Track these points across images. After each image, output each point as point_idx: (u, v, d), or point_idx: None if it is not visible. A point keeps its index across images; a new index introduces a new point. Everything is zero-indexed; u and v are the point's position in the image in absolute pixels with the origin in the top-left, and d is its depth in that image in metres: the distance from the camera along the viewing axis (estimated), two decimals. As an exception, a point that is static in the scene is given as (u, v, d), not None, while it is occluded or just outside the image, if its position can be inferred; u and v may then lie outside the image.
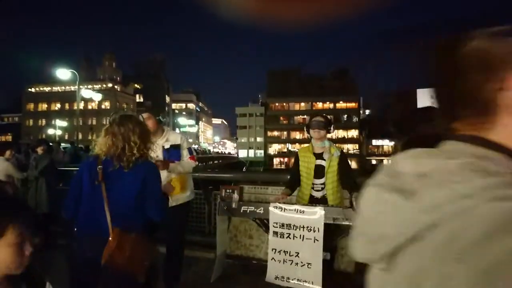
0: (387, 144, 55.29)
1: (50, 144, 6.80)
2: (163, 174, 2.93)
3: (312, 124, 2.99)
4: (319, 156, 3.00)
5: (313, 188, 3.01)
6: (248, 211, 3.02)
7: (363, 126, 60.46)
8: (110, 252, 1.70)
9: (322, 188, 2.98)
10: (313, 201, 2.97)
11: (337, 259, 3.30)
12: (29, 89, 66.07)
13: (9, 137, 55.91)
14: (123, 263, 1.70)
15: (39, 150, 5.46)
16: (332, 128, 3.02)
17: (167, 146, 3.09)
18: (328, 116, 3.18)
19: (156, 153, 3.05)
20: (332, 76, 64.12)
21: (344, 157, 3.01)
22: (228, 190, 3.12)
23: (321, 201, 2.94)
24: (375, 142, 59.75)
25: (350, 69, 64.84)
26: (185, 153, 3.11)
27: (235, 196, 3.07)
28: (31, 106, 64.88)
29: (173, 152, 3.04)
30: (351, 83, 61.71)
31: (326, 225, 2.70)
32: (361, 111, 63.32)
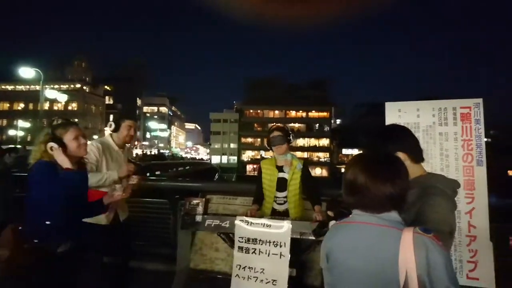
0: (356, 153, 56.60)
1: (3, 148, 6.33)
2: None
3: (272, 142, 2.93)
4: (282, 168, 2.95)
5: (275, 201, 2.93)
6: (213, 225, 2.87)
7: (334, 135, 61.74)
8: None
9: (285, 202, 2.91)
10: (275, 214, 2.89)
11: (303, 275, 3.21)
12: (-10, 87, 62.25)
13: (-36, 138, 52.23)
14: None
15: (-10, 154, 5.04)
16: (292, 137, 2.94)
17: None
18: (285, 126, 3.07)
19: (122, 163, 2.90)
20: (308, 86, 65.15)
21: (306, 169, 2.95)
22: (192, 203, 2.96)
23: (283, 215, 2.87)
24: (345, 151, 61.11)
25: (326, 80, 66.66)
26: None
27: (199, 209, 2.91)
28: (-10, 105, 61.08)
29: None
30: (324, 93, 63.02)
31: (292, 240, 2.61)
32: (332, 121, 64.68)
